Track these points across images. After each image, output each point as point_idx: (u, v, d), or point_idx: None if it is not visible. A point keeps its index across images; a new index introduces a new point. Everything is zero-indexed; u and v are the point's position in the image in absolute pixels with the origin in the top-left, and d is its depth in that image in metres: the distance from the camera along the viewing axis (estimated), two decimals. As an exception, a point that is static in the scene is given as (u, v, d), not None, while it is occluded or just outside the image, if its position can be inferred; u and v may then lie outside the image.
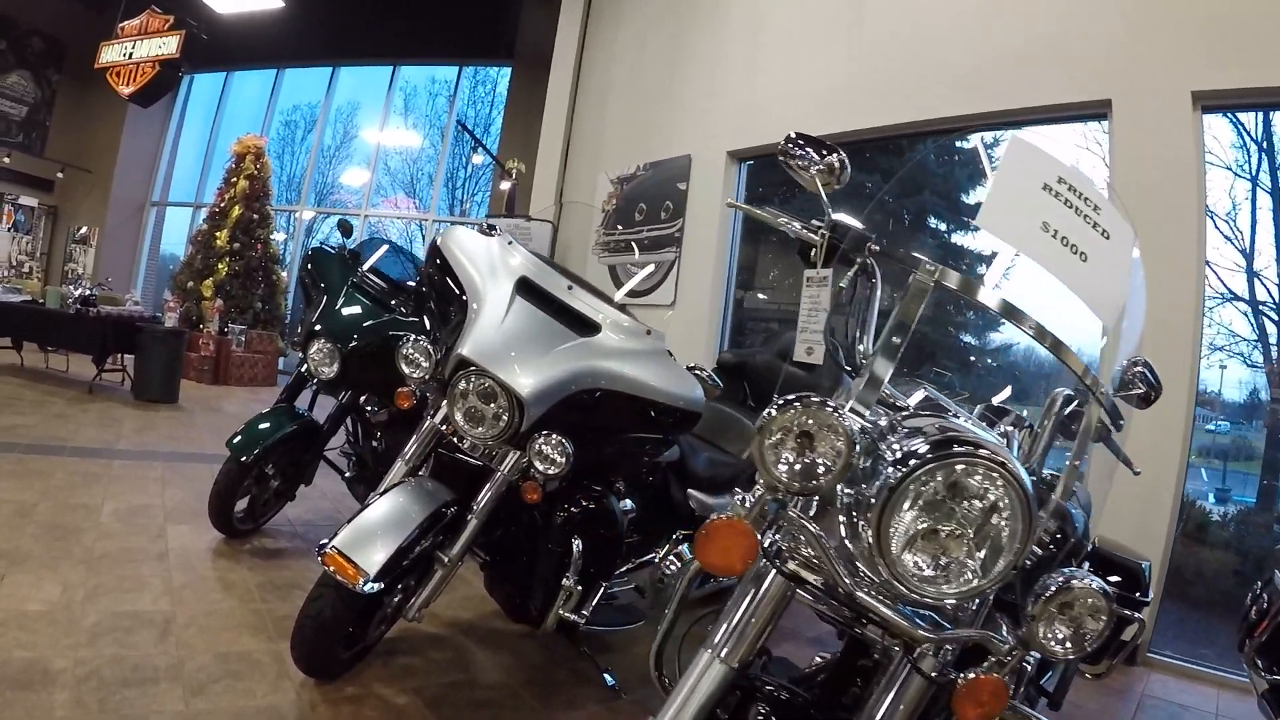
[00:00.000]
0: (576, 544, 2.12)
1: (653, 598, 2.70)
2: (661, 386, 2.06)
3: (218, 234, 9.14)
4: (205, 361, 8.26)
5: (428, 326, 2.28)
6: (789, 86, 5.13)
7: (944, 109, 4.40)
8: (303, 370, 3.26)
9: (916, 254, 1.19)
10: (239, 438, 3.05)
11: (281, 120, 12.68)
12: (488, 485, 2.04)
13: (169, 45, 8.67)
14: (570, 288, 2.12)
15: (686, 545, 2.69)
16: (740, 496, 1.14)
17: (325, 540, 1.84)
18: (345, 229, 3.53)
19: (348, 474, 3.45)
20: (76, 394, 6.20)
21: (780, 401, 1.05)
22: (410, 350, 2.05)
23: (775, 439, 1.06)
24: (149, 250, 12.37)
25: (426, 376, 2.05)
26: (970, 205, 8.95)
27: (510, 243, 2.19)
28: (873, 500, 1.03)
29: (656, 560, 2.65)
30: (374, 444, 3.39)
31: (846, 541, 1.11)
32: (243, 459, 3.00)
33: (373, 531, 1.84)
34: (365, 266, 3.43)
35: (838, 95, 4.83)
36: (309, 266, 3.43)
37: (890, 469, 1.03)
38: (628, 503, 2.42)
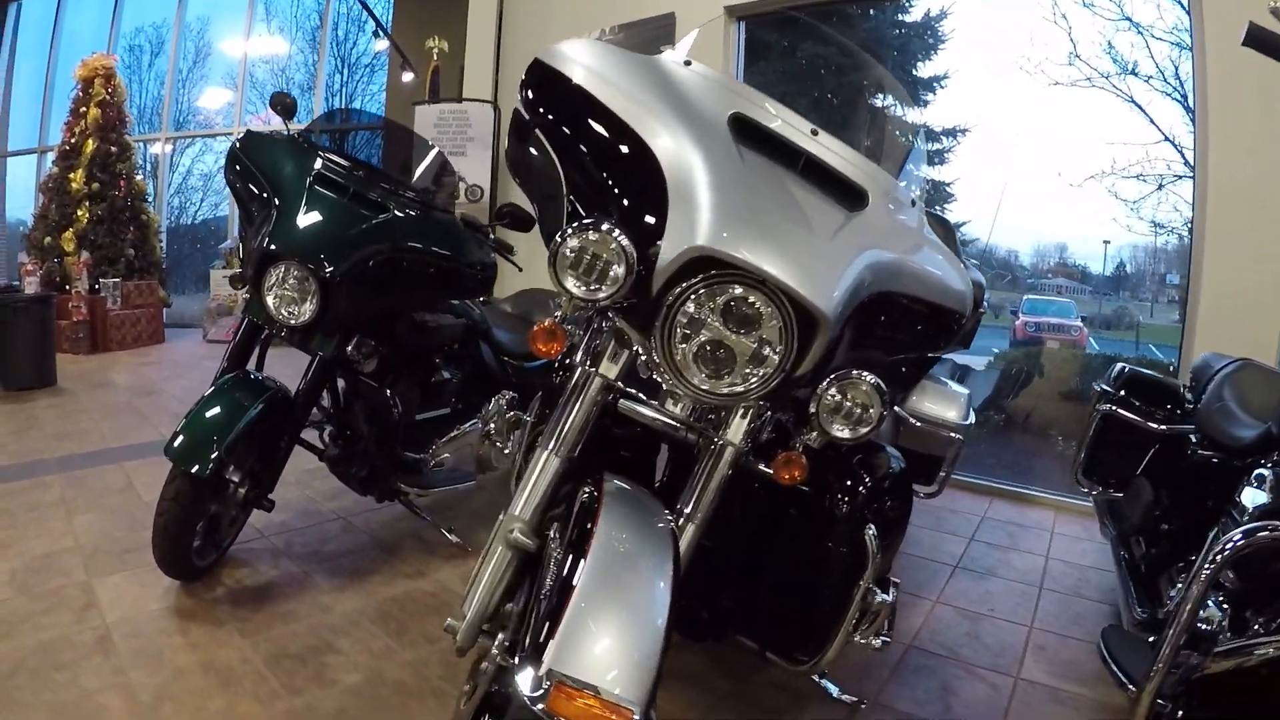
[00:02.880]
0: (870, 534, 1.37)
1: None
2: (944, 282, 1.27)
3: (72, 175, 7.44)
4: (79, 328, 6.81)
5: (558, 214, 1.28)
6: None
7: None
8: (254, 317, 2.26)
9: None
10: (181, 439, 2.02)
11: (125, 45, 10.61)
12: (702, 468, 1.18)
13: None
14: (815, 132, 1.22)
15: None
16: None
17: (517, 663, 0.88)
18: (284, 104, 2.39)
19: (331, 451, 2.52)
20: (-76, 393, 4.82)
21: None
22: (582, 241, 1.04)
23: None
24: (-7, 210, 10.34)
25: (615, 294, 1.06)
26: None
27: (689, 62, 1.26)
28: None
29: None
30: (357, 402, 2.46)
31: None
32: (194, 470, 1.98)
33: (609, 631, 0.88)
34: (329, 152, 2.36)
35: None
36: (239, 165, 2.32)
37: None
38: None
